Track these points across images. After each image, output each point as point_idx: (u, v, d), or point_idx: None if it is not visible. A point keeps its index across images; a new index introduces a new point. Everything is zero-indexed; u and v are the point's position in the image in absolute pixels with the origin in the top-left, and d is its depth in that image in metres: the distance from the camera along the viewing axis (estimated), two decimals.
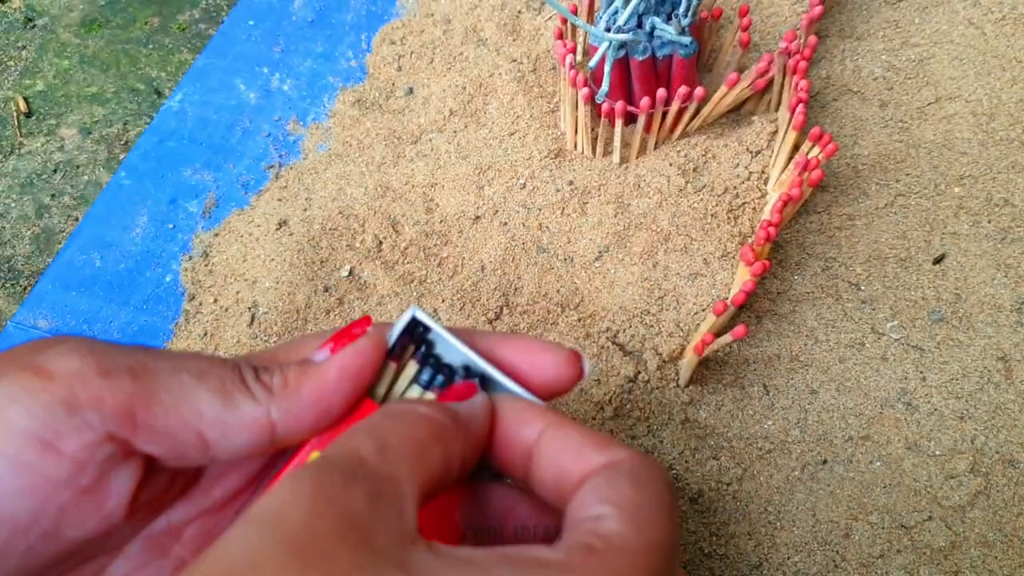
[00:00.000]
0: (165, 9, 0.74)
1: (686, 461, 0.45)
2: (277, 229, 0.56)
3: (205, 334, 0.53)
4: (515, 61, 0.60)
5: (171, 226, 0.59)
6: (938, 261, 0.50)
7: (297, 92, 0.65)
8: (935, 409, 0.46)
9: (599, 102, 0.52)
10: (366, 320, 0.29)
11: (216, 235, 0.58)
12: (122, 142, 0.66)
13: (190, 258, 0.57)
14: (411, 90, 0.62)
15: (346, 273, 0.54)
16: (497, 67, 0.60)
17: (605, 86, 0.51)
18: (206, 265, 0.56)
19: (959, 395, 0.46)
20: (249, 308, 0.53)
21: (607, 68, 0.51)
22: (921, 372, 0.47)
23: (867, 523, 0.43)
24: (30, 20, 0.73)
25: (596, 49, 0.51)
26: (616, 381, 0.47)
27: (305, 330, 0.52)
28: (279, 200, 0.58)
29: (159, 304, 0.56)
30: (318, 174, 0.59)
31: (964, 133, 0.54)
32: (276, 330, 0.51)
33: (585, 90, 0.50)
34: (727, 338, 0.43)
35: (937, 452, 0.45)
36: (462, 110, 0.59)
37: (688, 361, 0.46)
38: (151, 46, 0.72)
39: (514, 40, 0.62)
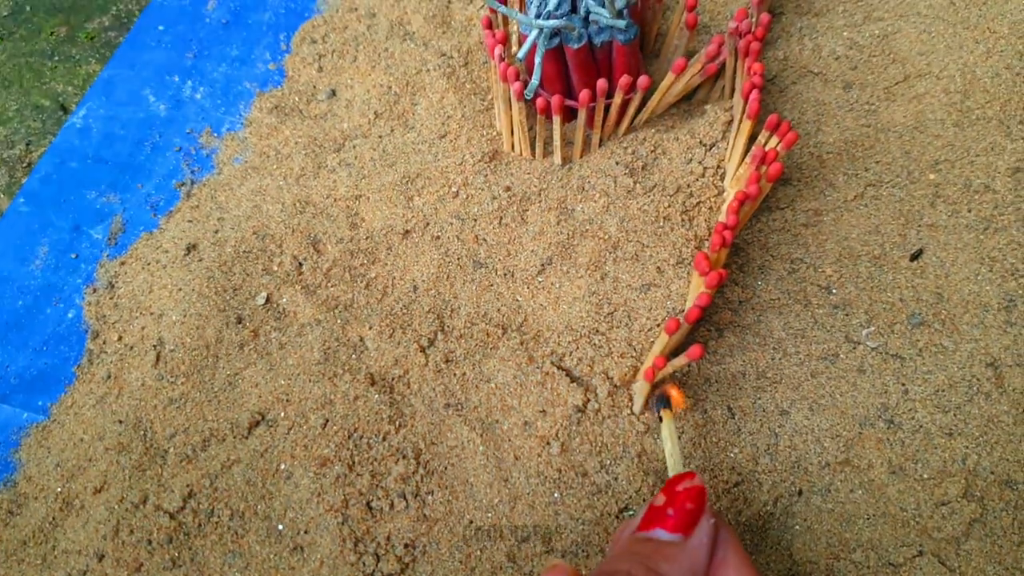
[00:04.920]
0: (73, 18, 0.68)
1: (644, 500, 0.40)
2: (186, 255, 0.50)
3: (108, 376, 0.47)
4: (445, 55, 0.55)
5: (74, 255, 0.53)
6: (915, 257, 0.45)
7: (211, 100, 0.59)
8: (920, 426, 0.41)
9: (528, 97, 0.47)
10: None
11: (122, 263, 0.52)
12: (25, 164, 0.60)
13: (94, 290, 0.51)
14: (333, 92, 0.56)
15: (262, 301, 0.48)
16: (425, 63, 0.55)
17: (535, 79, 0.46)
18: (111, 298, 0.51)
19: (946, 408, 0.41)
20: (154, 346, 0.47)
21: (537, 59, 0.45)
22: (903, 384, 0.42)
23: (850, 562, 0.38)
24: None
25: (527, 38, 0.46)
26: (563, 411, 0.42)
27: (216, 368, 0.46)
28: (189, 221, 0.52)
29: (61, 344, 0.50)
30: (232, 190, 0.53)
31: (937, 113, 0.49)
32: (184, 369, 0.46)
33: (517, 84, 0.45)
34: (681, 360, 0.38)
35: (925, 475, 0.40)
36: (388, 112, 0.54)
37: (641, 385, 0.41)
38: (57, 58, 0.66)
39: (444, 32, 0.57)
